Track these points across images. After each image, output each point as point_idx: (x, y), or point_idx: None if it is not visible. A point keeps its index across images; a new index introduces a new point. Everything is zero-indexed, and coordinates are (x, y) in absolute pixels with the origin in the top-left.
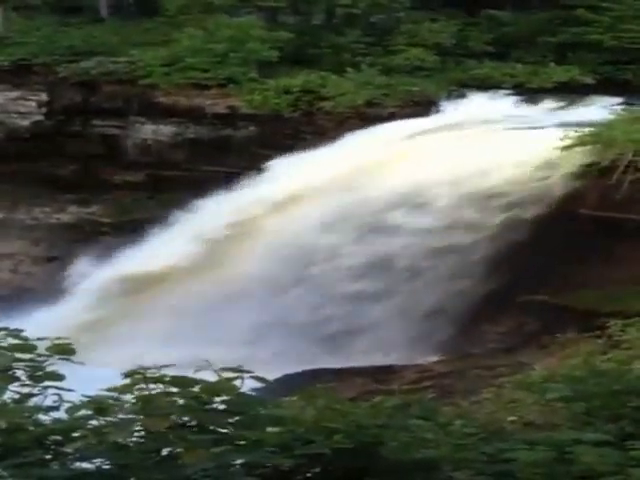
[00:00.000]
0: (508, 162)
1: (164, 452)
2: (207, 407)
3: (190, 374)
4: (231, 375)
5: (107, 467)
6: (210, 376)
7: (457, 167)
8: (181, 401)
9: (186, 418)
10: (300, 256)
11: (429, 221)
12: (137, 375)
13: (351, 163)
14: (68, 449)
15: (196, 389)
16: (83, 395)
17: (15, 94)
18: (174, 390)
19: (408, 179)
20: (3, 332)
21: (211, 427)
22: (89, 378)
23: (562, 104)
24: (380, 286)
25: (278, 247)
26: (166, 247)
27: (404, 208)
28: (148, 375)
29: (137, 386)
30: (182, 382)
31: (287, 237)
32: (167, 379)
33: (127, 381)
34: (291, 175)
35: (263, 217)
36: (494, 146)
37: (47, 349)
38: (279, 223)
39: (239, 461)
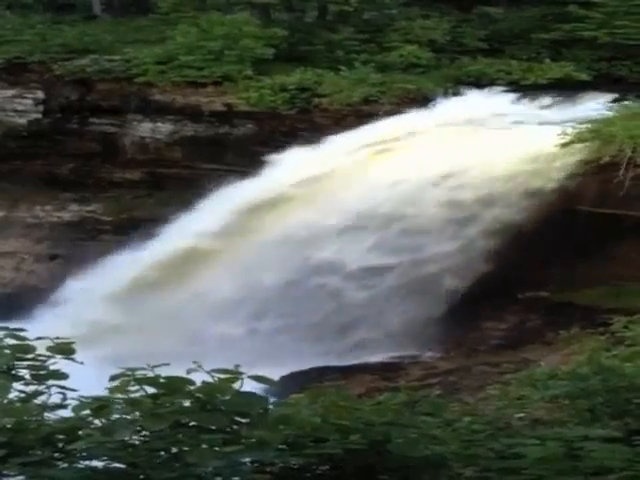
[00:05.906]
0: (506, 159)
1: (172, 451)
2: (208, 407)
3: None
4: (230, 376)
5: (115, 466)
6: (205, 376)
7: (453, 164)
8: (184, 402)
9: (187, 419)
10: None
11: (428, 215)
12: (125, 377)
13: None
14: (75, 447)
15: (191, 389)
16: (81, 396)
17: (11, 92)
18: (168, 392)
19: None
20: (3, 332)
21: (216, 427)
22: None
23: (558, 100)
24: (379, 288)
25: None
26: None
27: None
28: (138, 377)
29: (127, 388)
30: (176, 383)
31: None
32: (161, 381)
33: (116, 383)
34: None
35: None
36: (492, 143)
37: (48, 348)
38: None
39: (248, 459)
